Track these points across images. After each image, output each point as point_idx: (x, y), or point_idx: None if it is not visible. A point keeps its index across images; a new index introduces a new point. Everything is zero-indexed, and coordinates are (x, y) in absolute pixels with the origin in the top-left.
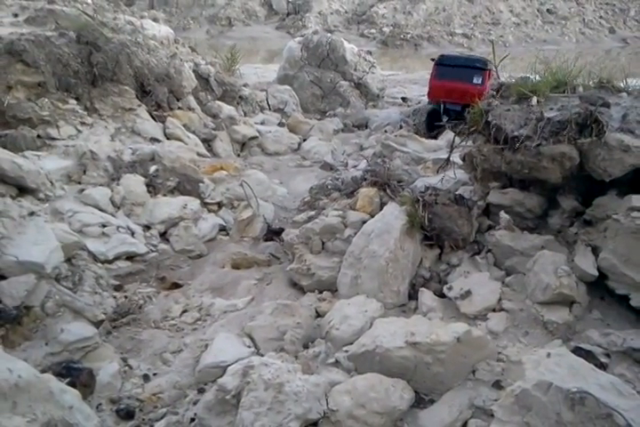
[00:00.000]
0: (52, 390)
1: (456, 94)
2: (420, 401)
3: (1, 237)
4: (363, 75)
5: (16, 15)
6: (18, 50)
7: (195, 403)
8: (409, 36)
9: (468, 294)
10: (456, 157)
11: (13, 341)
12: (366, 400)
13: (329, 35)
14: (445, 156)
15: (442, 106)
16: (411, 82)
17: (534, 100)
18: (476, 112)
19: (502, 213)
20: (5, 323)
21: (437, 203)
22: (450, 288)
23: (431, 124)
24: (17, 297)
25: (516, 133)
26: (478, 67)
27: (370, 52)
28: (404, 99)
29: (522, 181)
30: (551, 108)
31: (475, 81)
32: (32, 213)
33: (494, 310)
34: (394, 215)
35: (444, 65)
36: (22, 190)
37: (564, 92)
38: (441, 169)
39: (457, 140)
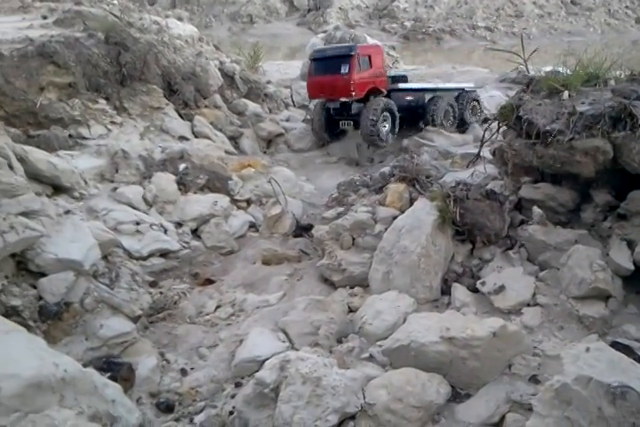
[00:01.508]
0: (96, 384)
1: (327, 89)
2: (456, 396)
3: (40, 236)
4: (386, 70)
5: (45, 17)
6: (49, 51)
7: (232, 396)
8: (431, 29)
9: (501, 288)
10: (485, 152)
11: (55, 336)
12: (403, 394)
13: (351, 30)
14: (473, 150)
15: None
16: (434, 76)
17: (566, 94)
18: (507, 107)
19: (535, 208)
20: (47, 319)
21: (469, 198)
22: (483, 283)
23: (329, 127)
24: (57, 294)
25: (548, 128)
26: (344, 54)
27: (394, 47)
28: None
29: (554, 176)
30: (583, 102)
31: (342, 71)
32: (67, 212)
33: (529, 305)
34: (424, 211)
35: (317, 59)
36: (57, 189)
37: (595, 85)
38: (471, 164)
39: (487, 134)
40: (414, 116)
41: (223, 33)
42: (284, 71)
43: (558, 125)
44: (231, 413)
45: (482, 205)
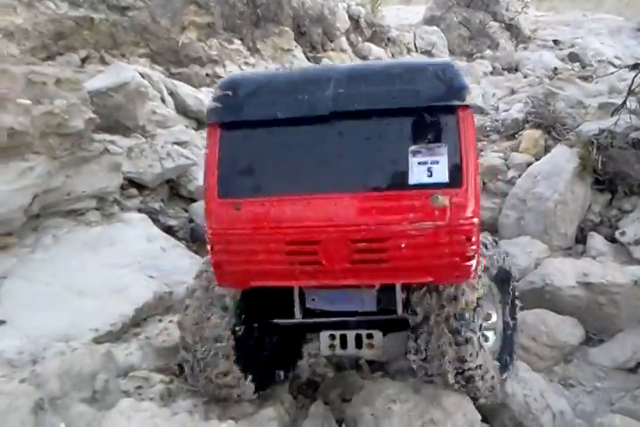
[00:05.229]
0: None
1: (339, 256)
2: (589, 340)
3: (193, 164)
4: (515, 15)
5: None
6: None
7: None
8: None
9: None
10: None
11: (203, 256)
12: (536, 333)
13: None
14: (610, 100)
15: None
16: (562, 24)
17: None
18: None
19: None
20: (196, 240)
21: (613, 146)
22: (622, 233)
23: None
24: None
25: None
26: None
27: None
28: (555, 41)
29: None
30: None
31: (418, 177)
32: None
33: None
34: (564, 158)
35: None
36: (200, 124)
37: None
38: (616, 113)
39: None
40: None
41: None
42: (403, 16)
43: None
44: None
45: (627, 155)
